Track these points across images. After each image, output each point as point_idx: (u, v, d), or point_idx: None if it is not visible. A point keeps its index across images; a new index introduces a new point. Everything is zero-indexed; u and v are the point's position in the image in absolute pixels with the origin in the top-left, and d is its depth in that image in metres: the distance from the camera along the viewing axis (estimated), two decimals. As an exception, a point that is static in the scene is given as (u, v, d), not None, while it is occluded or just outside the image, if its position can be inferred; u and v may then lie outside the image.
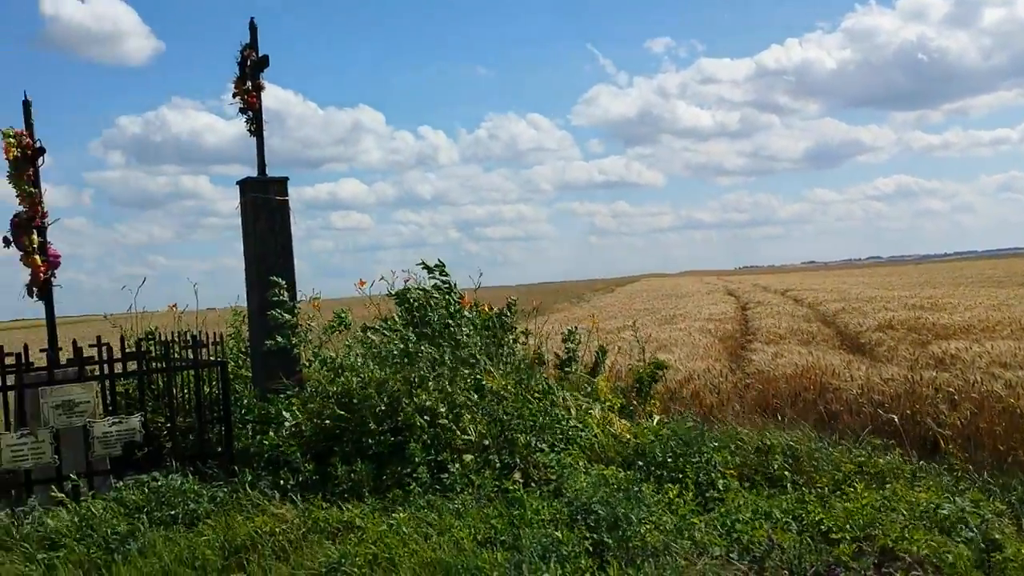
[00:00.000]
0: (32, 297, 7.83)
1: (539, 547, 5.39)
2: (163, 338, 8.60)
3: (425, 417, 7.21)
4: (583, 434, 7.59)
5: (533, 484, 6.84)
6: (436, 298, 8.60)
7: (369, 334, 8.31)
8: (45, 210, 7.83)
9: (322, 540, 5.76)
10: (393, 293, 8.76)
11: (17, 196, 7.78)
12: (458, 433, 7.15)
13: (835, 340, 17.04)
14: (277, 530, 5.85)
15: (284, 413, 7.28)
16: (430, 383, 7.32)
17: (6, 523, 6.33)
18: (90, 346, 8.25)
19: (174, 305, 10.46)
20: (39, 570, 5.64)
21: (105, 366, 7.81)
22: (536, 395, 7.88)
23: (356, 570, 5.22)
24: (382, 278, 8.99)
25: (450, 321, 8.37)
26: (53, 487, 6.84)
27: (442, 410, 7.18)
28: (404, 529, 5.80)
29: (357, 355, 7.81)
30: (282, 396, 7.94)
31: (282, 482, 6.78)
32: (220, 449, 7.60)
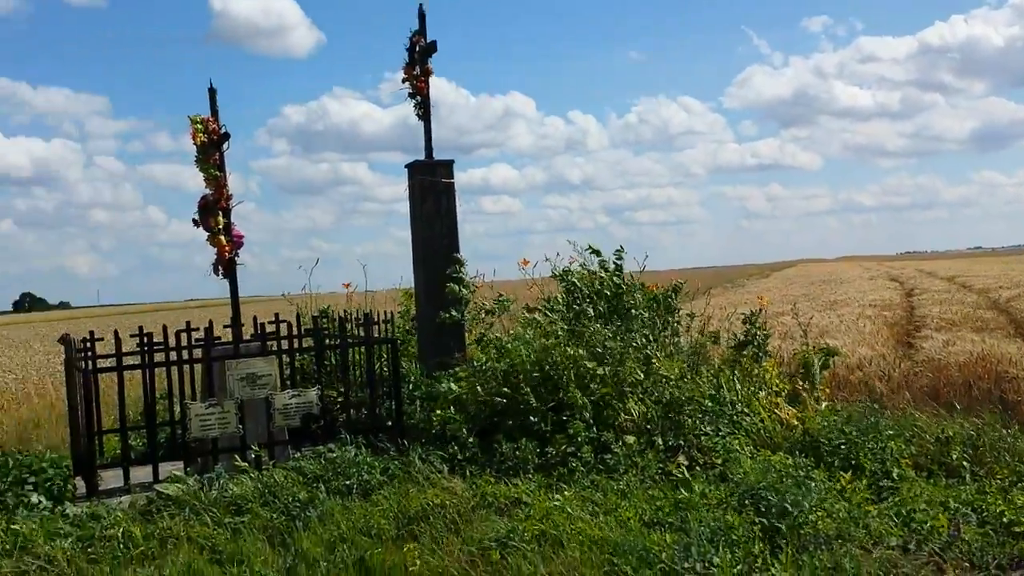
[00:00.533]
0: (217, 276, 8.26)
1: (707, 530, 5.36)
2: (336, 316, 8.93)
3: (590, 396, 7.26)
4: (749, 419, 7.48)
5: (698, 468, 6.79)
6: (603, 278, 8.62)
7: (535, 315, 8.41)
8: (229, 192, 8.25)
9: (490, 514, 5.89)
10: (558, 274, 8.82)
11: (204, 180, 8.22)
12: (622, 413, 7.17)
13: (1009, 328, 16.14)
14: (448, 503, 6.02)
15: (452, 387, 7.44)
16: (595, 363, 7.34)
17: (195, 488, 6.72)
18: (269, 323, 8.68)
19: (348, 284, 10.87)
20: (226, 534, 5.96)
21: (284, 342, 8.19)
22: (704, 377, 7.81)
23: (524, 545, 5.31)
24: (546, 259, 9.09)
25: (618, 301, 8.39)
26: (237, 455, 7.22)
27: (607, 390, 7.20)
28: (569, 507, 5.87)
29: (522, 334, 7.90)
30: (448, 373, 8.16)
31: (450, 457, 6.94)
32: (391, 423, 7.86)
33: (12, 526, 6.11)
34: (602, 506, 5.95)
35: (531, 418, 7.12)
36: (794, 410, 7.85)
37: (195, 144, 8.13)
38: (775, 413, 7.70)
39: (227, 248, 8.19)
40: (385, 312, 8.76)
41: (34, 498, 6.80)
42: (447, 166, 8.93)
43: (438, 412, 7.44)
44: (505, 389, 7.32)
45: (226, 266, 8.25)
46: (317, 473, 6.89)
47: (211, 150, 8.14)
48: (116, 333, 8.57)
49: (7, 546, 5.92)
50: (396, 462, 7.06)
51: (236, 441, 7.34)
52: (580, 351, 7.39)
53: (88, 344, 7.81)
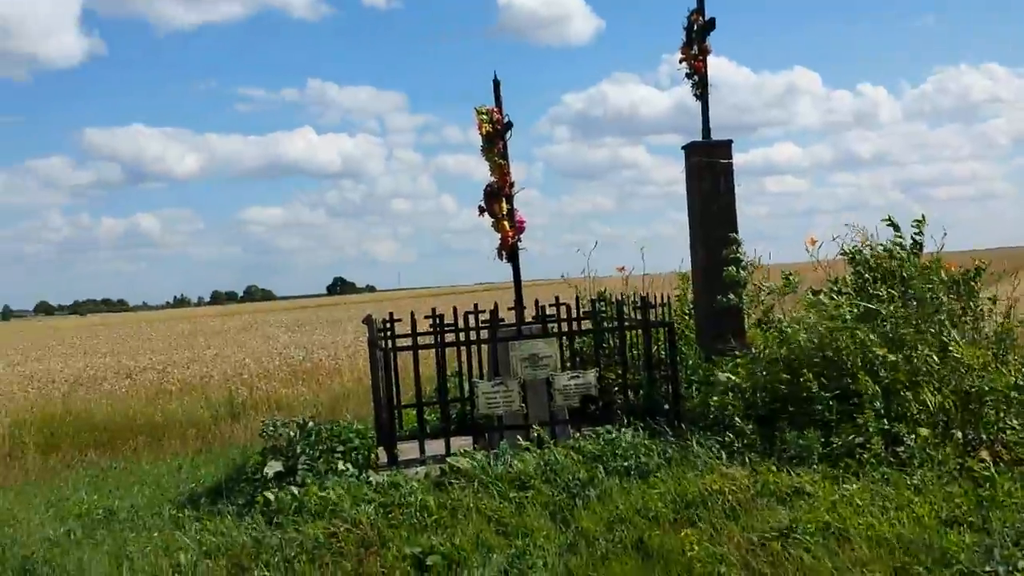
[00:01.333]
0: (501, 260, 8.63)
1: (1013, 532, 4.96)
2: (614, 299, 9.03)
3: (879, 384, 6.89)
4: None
5: (1001, 464, 6.27)
6: (901, 258, 8.12)
7: (820, 296, 8.06)
8: (512, 180, 8.57)
9: (772, 504, 5.76)
10: (849, 251, 8.38)
11: (489, 168, 8.60)
12: (914, 403, 6.75)
13: None
14: (727, 489, 5.95)
15: (730, 376, 7.33)
16: (886, 349, 6.95)
17: (483, 463, 7.07)
18: (550, 306, 8.94)
19: (622, 268, 10.95)
20: (511, 508, 6.24)
21: (564, 324, 8.41)
22: (1012, 367, 7.17)
23: (808, 537, 5.16)
24: (834, 238, 8.67)
25: (914, 282, 7.87)
26: (519, 434, 7.52)
27: (899, 377, 6.80)
28: (857, 500, 5.63)
29: (806, 318, 7.61)
30: (727, 358, 8.04)
31: (728, 443, 6.85)
32: (667, 407, 7.87)
33: (323, 492, 6.72)
34: (893, 501, 5.63)
35: (815, 406, 6.86)
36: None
37: (480, 134, 8.52)
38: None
39: (510, 233, 8.52)
40: (662, 295, 8.75)
41: (341, 465, 7.44)
42: (725, 146, 8.78)
43: (715, 398, 7.36)
44: (786, 376, 7.11)
45: (509, 251, 8.59)
46: (595, 453, 7.03)
47: (495, 139, 8.49)
48: (412, 315, 9.15)
49: (318, 508, 6.52)
50: (673, 446, 7.06)
51: (519, 419, 7.64)
52: (871, 336, 7.01)
53: (388, 324, 8.38)
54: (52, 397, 18.32)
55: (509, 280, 8.76)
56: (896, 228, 8.42)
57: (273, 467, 7.27)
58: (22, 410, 15.69)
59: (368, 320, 9.33)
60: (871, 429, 6.51)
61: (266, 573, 5.56)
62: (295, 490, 6.92)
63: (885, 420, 6.66)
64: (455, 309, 9.43)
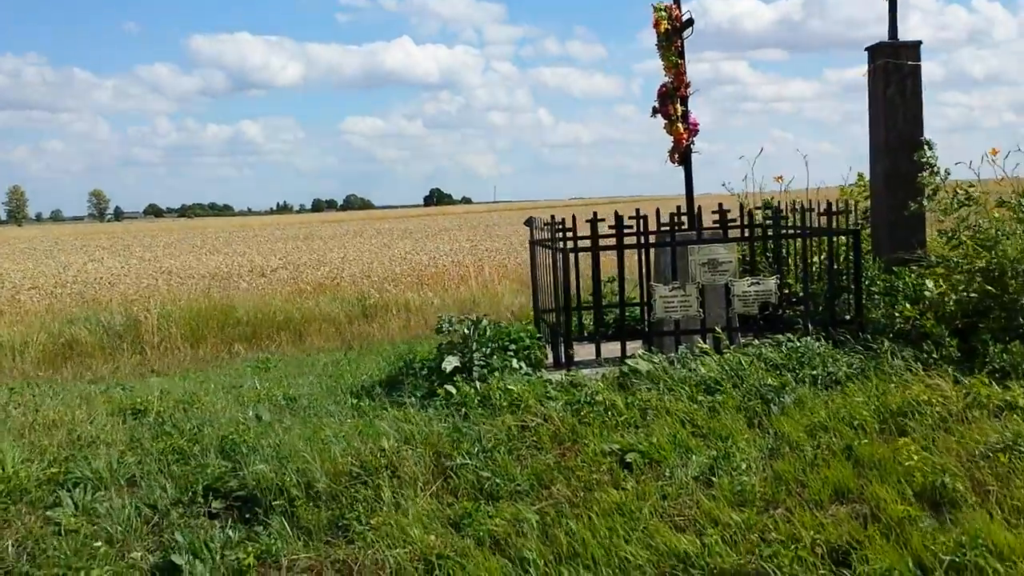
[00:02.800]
0: (674, 163, 8.43)
1: None
2: (794, 207, 8.74)
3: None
4: None
5: None
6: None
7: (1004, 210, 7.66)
8: (688, 80, 8.30)
9: (984, 417, 5.56)
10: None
11: (664, 67, 8.34)
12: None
13: None
14: (935, 401, 5.76)
15: (928, 283, 7.05)
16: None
17: (662, 365, 7.02)
18: (712, 212, 8.72)
19: (779, 178, 10.58)
20: (702, 410, 6.19)
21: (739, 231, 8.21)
22: None
23: (1032, 451, 4.96)
24: (1019, 148, 8.19)
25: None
26: (698, 338, 7.43)
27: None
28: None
29: (1009, 226, 7.24)
30: (910, 268, 7.77)
31: (925, 355, 6.63)
32: (849, 317, 7.65)
33: (508, 386, 6.78)
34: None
35: (1020, 319, 6.56)
36: None
37: (658, 32, 8.24)
38: None
39: (684, 136, 8.29)
40: (842, 203, 8.41)
41: (515, 363, 7.49)
42: (913, 48, 8.31)
43: (907, 307, 7.11)
44: (988, 287, 6.80)
45: (683, 153, 8.38)
46: (779, 361, 6.90)
47: (673, 37, 8.21)
48: (573, 217, 9.07)
49: (505, 403, 6.58)
50: (860, 356, 6.87)
51: (696, 324, 7.54)
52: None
53: (559, 226, 8.33)
54: (193, 291, 19.07)
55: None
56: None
57: (451, 362, 7.35)
58: (168, 301, 16.26)
59: (530, 221, 9.30)
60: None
61: (467, 461, 5.64)
62: (477, 384, 7.01)
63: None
64: (616, 213, 9.28)
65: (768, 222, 8.84)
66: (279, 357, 11.89)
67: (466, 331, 7.61)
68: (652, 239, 8.27)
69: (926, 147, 8.03)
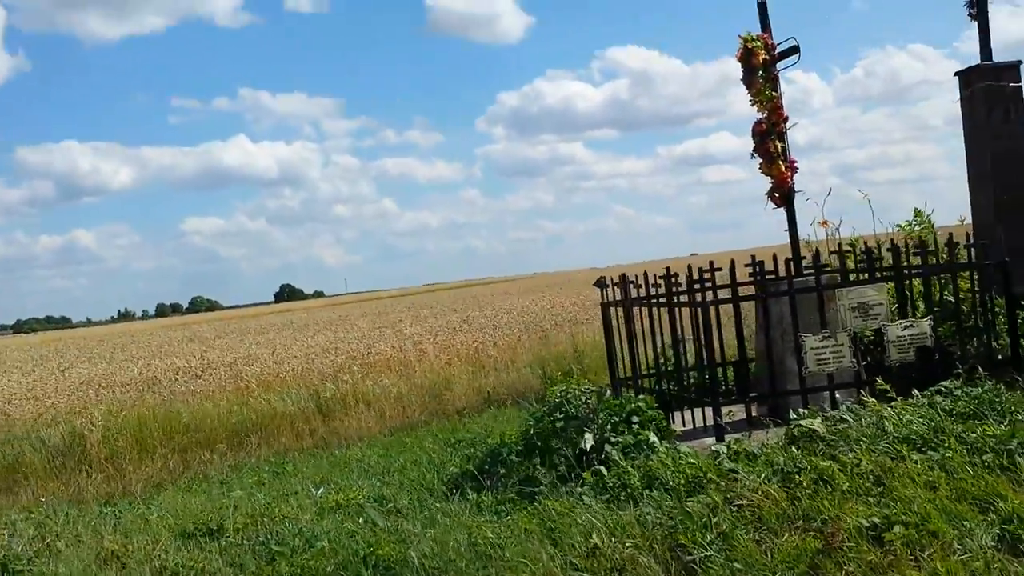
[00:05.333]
0: (776, 205, 7.71)
1: None
2: (913, 244, 8.07)
3: None
4: None
5: None
6: None
7: None
8: (786, 115, 7.65)
9: None
10: None
11: (757, 103, 7.66)
12: None
13: None
14: None
15: None
16: None
17: (834, 424, 6.15)
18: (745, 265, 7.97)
19: (825, 223, 10.00)
20: (935, 471, 5.32)
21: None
22: None
23: None
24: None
25: None
26: (862, 390, 6.62)
27: None
28: None
29: None
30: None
31: None
32: (1001, 358, 6.99)
33: (679, 461, 5.79)
34: None
35: None
36: None
37: (752, 65, 7.57)
38: None
39: (787, 175, 7.61)
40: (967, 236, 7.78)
41: (652, 436, 6.51)
42: (1014, 68, 7.91)
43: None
44: None
45: (785, 194, 7.67)
46: (966, 410, 6.13)
47: (771, 68, 7.57)
48: (645, 274, 8.25)
49: (681, 481, 5.61)
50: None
51: (850, 376, 6.72)
52: None
53: (695, 278, 7.48)
54: (124, 401, 17.26)
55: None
56: None
57: (588, 440, 6.32)
58: (106, 414, 14.61)
59: (602, 282, 8.43)
60: None
61: (708, 552, 4.62)
62: (626, 463, 6.01)
63: None
64: (730, 263, 8.48)
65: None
66: (276, 460, 10.54)
67: (590, 403, 6.60)
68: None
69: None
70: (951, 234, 7.56)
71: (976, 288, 7.37)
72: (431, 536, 5.42)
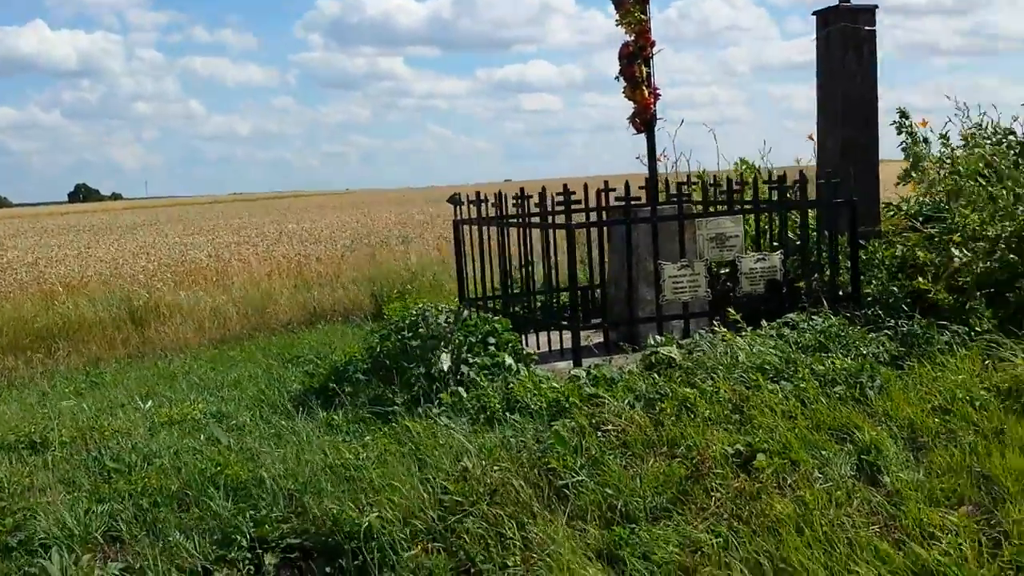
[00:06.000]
0: (638, 131, 7.63)
1: None
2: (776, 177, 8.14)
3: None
4: None
5: None
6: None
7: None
8: (653, 39, 7.53)
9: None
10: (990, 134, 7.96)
11: (625, 25, 7.50)
12: None
13: None
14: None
15: (954, 251, 6.72)
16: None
17: (686, 351, 6.21)
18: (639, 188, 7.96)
19: (663, 155, 10.01)
20: (790, 401, 5.44)
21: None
22: None
23: None
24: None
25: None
26: (714, 320, 6.70)
27: None
28: None
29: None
30: (875, 241, 7.54)
31: (968, 330, 6.27)
32: (842, 293, 7.23)
33: (540, 384, 5.68)
34: None
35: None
36: None
37: (620, -16, 7.39)
38: None
39: (651, 100, 7.53)
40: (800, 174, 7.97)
41: (508, 359, 6.38)
42: (870, 12, 8.05)
43: (920, 280, 6.78)
44: (1012, 256, 6.59)
45: (647, 121, 7.60)
46: (813, 343, 6.30)
47: (637, -9, 7.40)
48: (498, 194, 8.06)
49: (543, 404, 5.52)
50: (886, 334, 6.43)
51: (705, 305, 6.79)
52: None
53: (567, 198, 7.33)
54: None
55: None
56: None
57: (445, 360, 6.10)
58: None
59: (456, 199, 8.17)
60: None
61: (582, 477, 4.53)
62: (488, 385, 5.87)
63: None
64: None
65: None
66: (90, 370, 9.82)
67: (447, 323, 6.38)
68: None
69: (901, 116, 7.75)
70: (801, 171, 7.72)
71: (822, 226, 7.56)
72: (283, 455, 5.09)
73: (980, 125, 8.15)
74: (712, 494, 4.46)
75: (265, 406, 6.73)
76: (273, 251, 21.35)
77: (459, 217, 8.14)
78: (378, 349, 6.96)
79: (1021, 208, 6.64)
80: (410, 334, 6.60)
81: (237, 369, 8.73)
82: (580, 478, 4.51)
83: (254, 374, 8.20)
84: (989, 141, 8.01)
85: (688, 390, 5.49)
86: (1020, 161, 7.81)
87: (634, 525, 4.23)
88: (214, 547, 4.08)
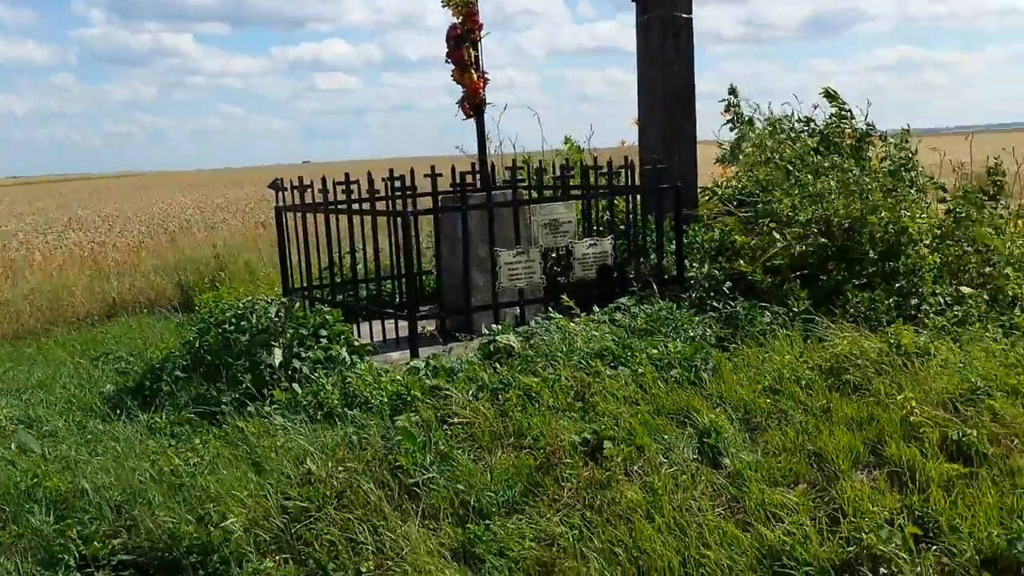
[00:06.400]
0: (467, 115, 7.53)
1: None
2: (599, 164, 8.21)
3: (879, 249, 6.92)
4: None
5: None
6: (844, 126, 8.23)
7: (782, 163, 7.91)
8: (481, 22, 7.44)
9: (908, 362, 5.56)
10: (796, 122, 8.37)
11: (452, 7, 7.38)
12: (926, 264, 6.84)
13: None
14: (858, 353, 5.65)
15: (776, 236, 6.98)
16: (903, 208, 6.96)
17: (522, 340, 6.19)
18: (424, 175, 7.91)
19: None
20: (631, 386, 5.51)
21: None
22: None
23: (997, 394, 5.02)
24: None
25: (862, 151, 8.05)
26: (547, 307, 6.71)
27: (923, 243, 6.89)
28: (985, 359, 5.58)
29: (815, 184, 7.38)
30: (695, 225, 7.80)
31: (788, 310, 6.55)
32: (676, 275, 7.41)
33: (380, 377, 5.51)
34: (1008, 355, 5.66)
35: (858, 268, 6.77)
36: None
37: (446, -35, 7.26)
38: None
39: (479, 84, 7.45)
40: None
41: (343, 352, 6.17)
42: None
43: (740, 263, 7.03)
44: (823, 240, 6.93)
45: (476, 105, 7.52)
46: (645, 327, 6.42)
47: (466, -29, 7.30)
48: (323, 179, 7.78)
49: (383, 398, 5.36)
50: (712, 316, 6.65)
51: (540, 292, 6.78)
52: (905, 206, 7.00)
53: (403, 184, 7.10)
54: None
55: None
56: (831, 98, 8.50)
57: (277, 355, 5.82)
58: None
59: (277, 184, 7.84)
60: (926, 290, 6.56)
61: (432, 474, 4.41)
62: (326, 379, 5.66)
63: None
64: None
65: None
66: None
67: (277, 315, 6.09)
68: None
69: (733, 95, 8.01)
70: (626, 157, 7.85)
71: (647, 211, 7.71)
72: (104, 464, 4.70)
73: (786, 114, 8.56)
74: (563, 484, 4.45)
75: (77, 409, 6.25)
76: (64, 239, 20.00)
77: (282, 203, 7.80)
78: (197, 344, 6.58)
79: (827, 193, 6.97)
80: (233, 327, 6.26)
81: (39, 368, 8.08)
82: (430, 475, 4.40)
83: (60, 374, 7.60)
84: (793, 129, 8.41)
85: (530, 379, 5.46)
86: (821, 148, 8.24)
87: (488, 521, 4.16)
88: (39, 568, 3.72)
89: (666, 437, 4.83)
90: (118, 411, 5.87)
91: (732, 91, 8.20)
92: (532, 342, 6.12)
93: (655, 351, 5.88)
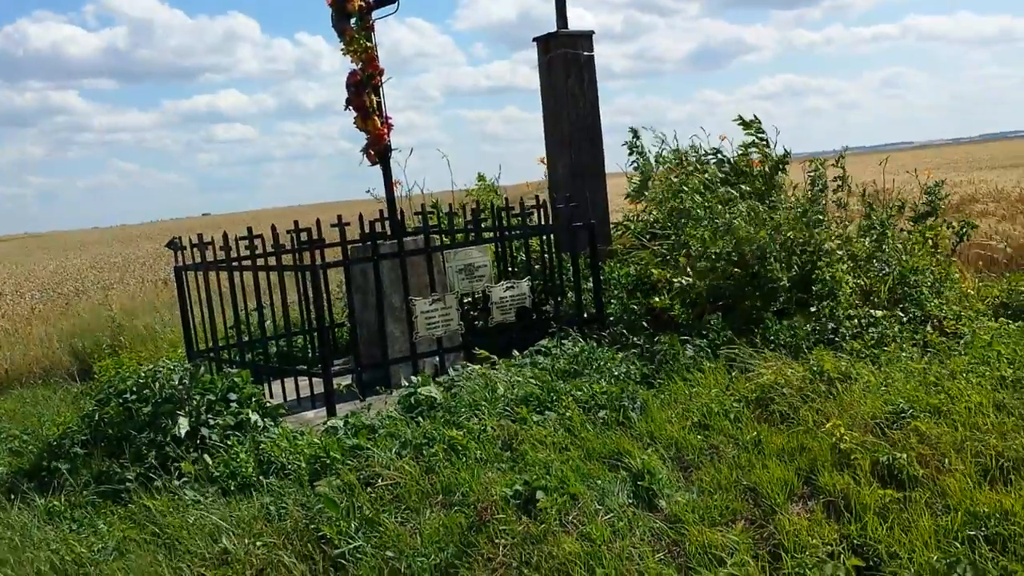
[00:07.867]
0: (372, 162, 7.34)
1: None
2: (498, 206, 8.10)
3: (795, 276, 6.97)
4: (949, 291, 7.42)
5: (945, 337, 6.67)
6: (755, 153, 8.29)
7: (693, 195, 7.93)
8: (382, 67, 7.28)
9: (832, 388, 5.55)
10: (704, 154, 8.42)
11: (351, 53, 7.21)
12: (846, 287, 6.90)
13: None
14: (783, 381, 5.62)
15: (686, 272, 6.95)
16: (823, 238, 7.02)
17: (458, 390, 5.99)
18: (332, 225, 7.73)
19: (397, 182, 9.87)
20: (559, 432, 5.36)
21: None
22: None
23: (921, 415, 5.02)
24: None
25: (776, 177, 8.11)
26: (468, 353, 6.53)
27: (841, 267, 6.93)
28: (905, 381, 5.59)
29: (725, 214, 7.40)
30: (610, 261, 7.75)
31: (709, 343, 6.50)
32: (595, 312, 7.31)
33: (297, 441, 5.24)
34: (928, 375, 5.68)
35: (773, 295, 6.77)
36: (972, 280, 7.89)
37: (346, 10, 7.11)
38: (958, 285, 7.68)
39: (383, 130, 7.28)
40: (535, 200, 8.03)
41: (254, 416, 5.87)
42: (587, 37, 8.28)
43: (657, 299, 6.98)
44: (736, 270, 6.92)
45: (382, 151, 7.34)
46: (568, 368, 6.29)
47: (366, 17, 7.16)
48: (225, 236, 7.48)
49: (302, 463, 5.09)
50: (634, 353, 6.56)
51: (458, 339, 6.60)
52: (819, 232, 7.05)
53: (310, 236, 6.85)
54: None
55: None
56: (746, 125, 8.54)
57: (183, 425, 5.50)
58: None
59: (175, 243, 7.52)
60: (840, 314, 6.59)
61: (359, 542, 4.17)
62: (239, 448, 5.35)
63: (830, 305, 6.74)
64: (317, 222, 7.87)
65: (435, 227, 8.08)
66: None
67: (181, 382, 5.77)
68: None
69: (635, 137, 8.01)
70: (538, 196, 7.77)
71: (562, 251, 7.63)
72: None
73: (692, 146, 8.62)
74: (497, 542, 4.25)
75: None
76: (-57, 308, 19.01)
77: (181, 263, 7.47)
78: (97, 417, 6.18)
79: (736, 224, 6.98)
80: (135, 397, 5.91)
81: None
82: (356, 543, 4.16)
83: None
84: (700, 161, 8.46)
85: (455, 432, 5.26)
86: (729, 178, 8.29)
87: (421, 589, 3.94)
88: None
89: (599, 482, 4.67)
90: (12, 496, 5.45)
91: (634, 132, 8.21)
92: (454, 391, 5.93)
93: (581, 393, 5.76)
